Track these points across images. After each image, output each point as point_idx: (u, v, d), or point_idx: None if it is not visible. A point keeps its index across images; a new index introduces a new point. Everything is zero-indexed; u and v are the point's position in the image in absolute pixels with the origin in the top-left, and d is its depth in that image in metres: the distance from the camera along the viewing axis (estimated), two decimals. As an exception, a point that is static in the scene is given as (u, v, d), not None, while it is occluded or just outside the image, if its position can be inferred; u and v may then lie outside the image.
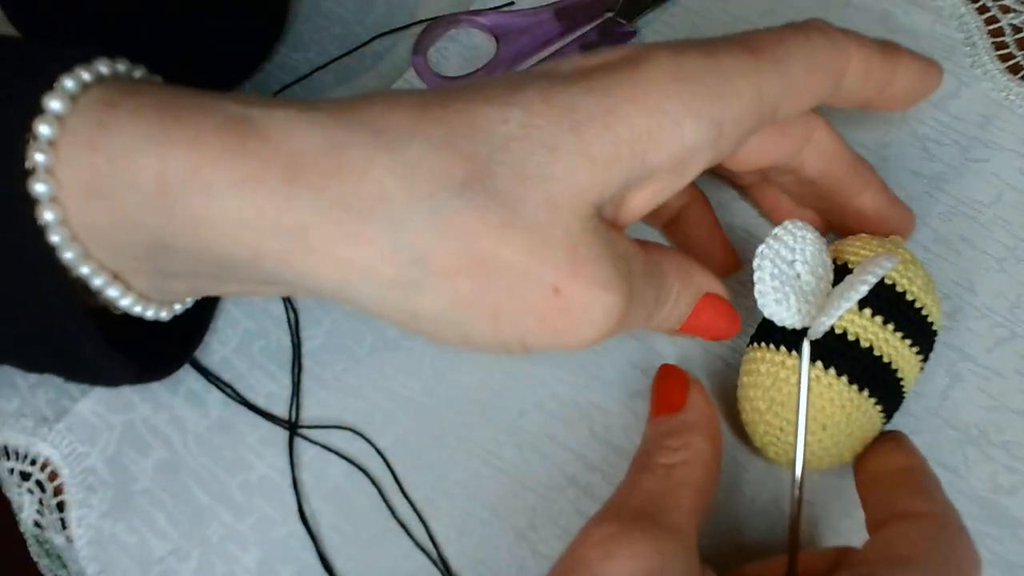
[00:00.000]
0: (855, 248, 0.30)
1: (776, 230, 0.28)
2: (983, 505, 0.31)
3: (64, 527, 0.33)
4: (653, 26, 0.39)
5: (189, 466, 0.34)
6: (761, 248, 0.28)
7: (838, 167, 0.30)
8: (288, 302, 0.35)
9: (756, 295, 0.28)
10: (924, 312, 0.29)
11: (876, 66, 0.28)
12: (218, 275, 0.25)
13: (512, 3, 0.40)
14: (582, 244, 0.23)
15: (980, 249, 0.34)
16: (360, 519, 0.33)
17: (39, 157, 0.22)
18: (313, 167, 0.22)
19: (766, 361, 0.29)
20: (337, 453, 0.33)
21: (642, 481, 0.27)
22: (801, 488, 0.27)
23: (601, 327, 0.24)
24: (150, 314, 0.27)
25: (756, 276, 0.28)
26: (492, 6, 0.40)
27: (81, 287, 0.25)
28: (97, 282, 0.24)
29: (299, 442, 0.34)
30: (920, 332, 0.29)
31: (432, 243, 0.22)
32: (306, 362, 0.35)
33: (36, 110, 0.22)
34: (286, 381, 0.35)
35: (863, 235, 0.31)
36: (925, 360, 0.30)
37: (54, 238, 0.23)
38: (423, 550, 0.32)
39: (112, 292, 0.25)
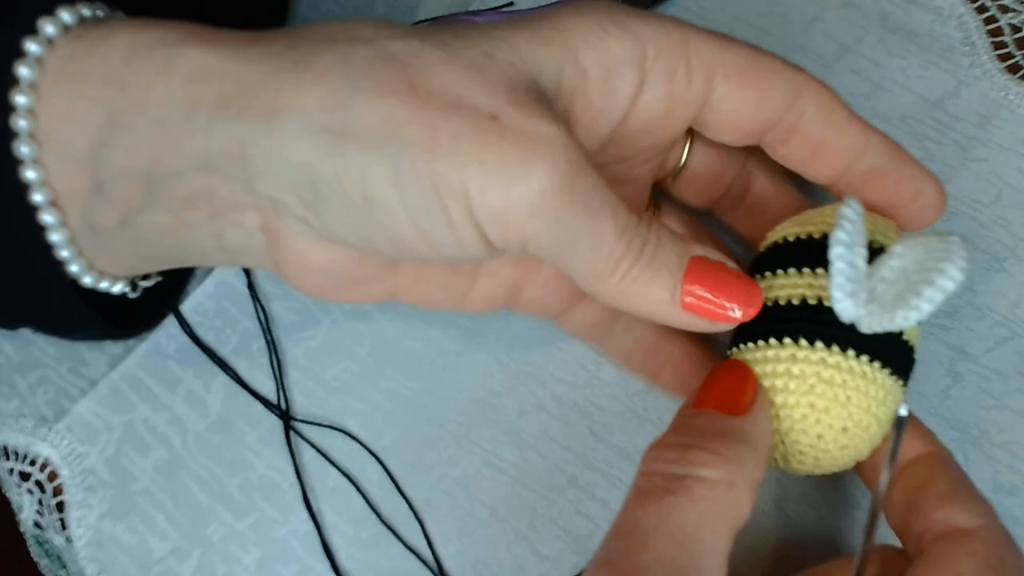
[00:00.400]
0: (878, 228, 0.27)
1: (845, 211, 0.24)
2: (983, 504, 0.31)
3: (64, 527, 0.33)
4: (652, 26, 0.39)
5: (189, 466, 0.34)
6: (839, 234, 0.24)
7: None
8: (256, 298, 0.35)
9: (834, 289, 0.24)
10: None
11: (839, 113, 0.26)
12: (148, 180, 0.24)
13: (512, 3, 0.40)
14: (521, 88, 0.22)
15: (980, 249, 0.34)
16: (360, 519, 0.33)
17: (32, 47, 0.23)
18: (273, 35, 0.23)
19: (799, 360, 0.25)
20: (331, 462, 0.33)
21: (670, 513, 0.21)
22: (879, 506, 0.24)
23: (549, 161, 0.22)
24: (75, 269, 0.26)
25: (837, 266, 0.24)
26: (492, 7, 0.40)
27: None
28: (38, 198, 0.24)
29: (299, 442, 0.34)
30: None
31: (366, 69, 0.22)
32: (306, 362, 0.35)
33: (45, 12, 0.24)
34: (286, 380, 0.35)
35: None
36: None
37: (21, 122, 0.23)
38: (414, 552, 0.32)
39: (48, 218, 0.25)
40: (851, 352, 0.25)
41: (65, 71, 0.23)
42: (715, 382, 0.25)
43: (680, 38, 0.25)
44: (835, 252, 0.24)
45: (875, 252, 0.26)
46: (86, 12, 0.24)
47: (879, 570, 0.25)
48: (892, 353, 0.25)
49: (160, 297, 0.32)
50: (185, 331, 0.35)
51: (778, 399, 0.25)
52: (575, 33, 0.24)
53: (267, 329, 0.35)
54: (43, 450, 0.34)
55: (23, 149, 0.24)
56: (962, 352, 0.33)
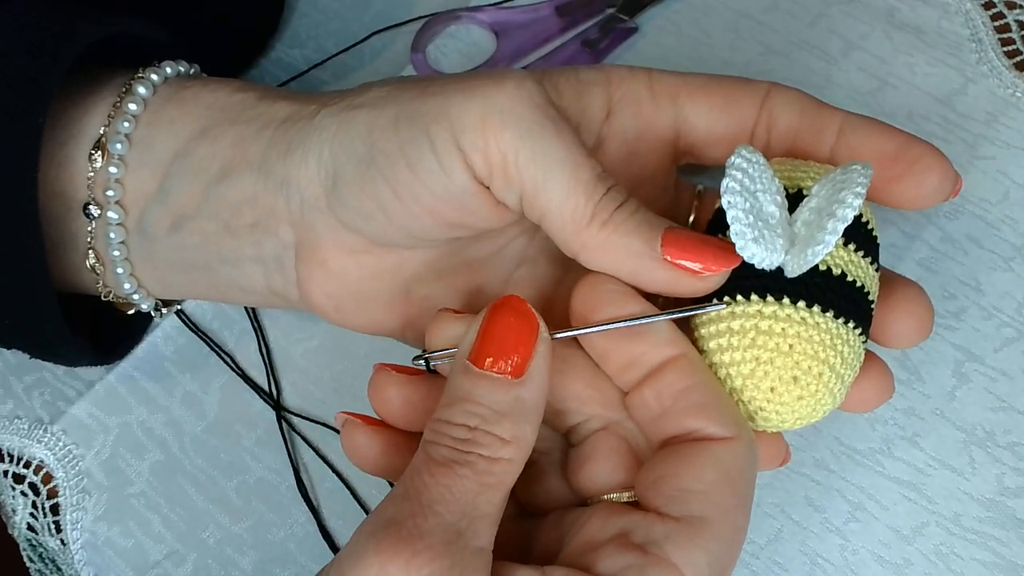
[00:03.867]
0: (799, 171, 0.27)
1: (733, 159, 0.25)
2: (989, 507, 0.31)
3: (58, 530, 0.33)
4: (655, 22, 0.38)
5: (185, 469, 0.33)
6: (727, 182, 0.24)
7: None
8: (252, 313, 0.35)
9: (733, 236, 0.24)
10: (865, 219, 0.27)
11: (809, 102, 0.28)
12: (206, 187, 0.28)
13: (512, -1, 0.40)
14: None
15: (987, 248, 0.34)
16: (357, 522, 0.32)
17: (154, 76, 0.30)
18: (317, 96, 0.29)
19: (737, 316, 0.25)
20: (325, 460, 0.33)
21: (455, 482, 0.22)
22: None
23: (518, 80, 0.25)
24: (119, 271, 0.30)
25: (731, 215, 0.24)
26: (492, 2, 0.39)
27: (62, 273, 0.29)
28: (110, 193, 0.28)
29: (297, 443, 0.33)
30: (871, 244, 0.27)
31: (385, 79, 0.28)
32: (304, 363, 0.34)
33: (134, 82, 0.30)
34: (283, 380, 0.34)
35: (785, 159, 0.28)
36: (877, 271, 0.27)
37: (124, 124, 0.29)
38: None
39: (112, 214, 0.29)
40: (786, 300, 0.25)
41: (173, 98, 0.29)
42: (490, 330, 0.24)
43: (641, 70, 0.29)
44: (725, 201, 0.24)
45: (801, 197, 0.26)
46: (194, 70, 0.31)
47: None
48: (832, 296, 0.25)
49: (133, 331, 0.35)
50: (184, 322, 0.35)
51: (725, 357, 0.25)
52: (550, 68, 0.29)
53: (253, 317, 0.35)
54: (38, 452, 0.34)
55: (117, 146, 0.28)
56: (968, 353, 0.32)
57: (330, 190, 0.27)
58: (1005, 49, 0.36)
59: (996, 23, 0.37)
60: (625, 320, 0.25)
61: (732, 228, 0.24)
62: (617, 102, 0.28)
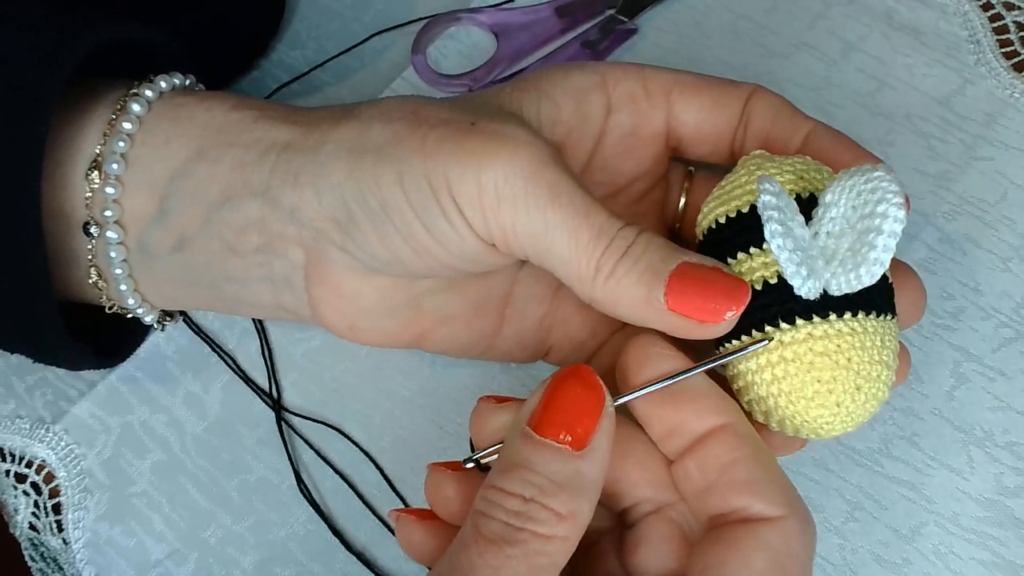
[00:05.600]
0: (794, 173, 0.26)
1: (765, 198, 0.24)
2: (988, 507, 0.31)
3: (60, 529, 0.33)
4: (654, 23, 0.38)
5: (187, 468, 0.33)
6: (771, 227, 0.24)
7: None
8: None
9: (789, 279, 0.24)
10: None
11: (786, 108, 0.29)
12: (208, 209, 0.28)
13: (512, 0, 0.40)
14: (503, 112, 0.27)
15: (985, 249, 0.34)
16: (359, 520, 0.33)
17: (148, 92, 0.29)
18: (342, 105, 0.29)
19: (788, 344, 0.25)
20: (326, 461, 0.33)
21: (503, 564, 0.22)
22: None
23: (511, 151, 0.25)
24: (123, 288, 0.30)
25: (782, 259, 0.24)
26: (492, 3, 0.39)
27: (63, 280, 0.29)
28: (108, 213, 0.28)
29: (297, 443, 0.34)
30: None
31: (388, 109, 0.27)
32: (304, 363, 0.35)
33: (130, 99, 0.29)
34: (285, 381, 0.34)
35: (776, 156, 0.27)
36: None
37: (119, 143, 0.28)
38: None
39: (111, 234, 0.28)
40: (832, 316, 0.25)
41: (168, 115, 0.29)
42: (552, 400, 0.24)
43: (634, 68, 0.29)
44: (775, 245, 0.24)
45: (810, 202, 0.26)
46: (189, 82, 0.31)
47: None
48: (872, 295, 0.25)
49: (135, 333, 0.35)
50: (186, 322, 0.35)
51: (784, 386, 0.25)
52: (545, 78, 0.29)
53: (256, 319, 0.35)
54: (40, 452, 0.34)
55: (114, 166, 0.28)
56: (967, 353, 0.33)
57: (344, 231, 0.27)
58: (1003, 50, 0.37)
59: (994, 24, 0.37)
60: (666, 379, 0.24)
61: (786, 270, 0.24)
62: (615, 101, 0.29)
